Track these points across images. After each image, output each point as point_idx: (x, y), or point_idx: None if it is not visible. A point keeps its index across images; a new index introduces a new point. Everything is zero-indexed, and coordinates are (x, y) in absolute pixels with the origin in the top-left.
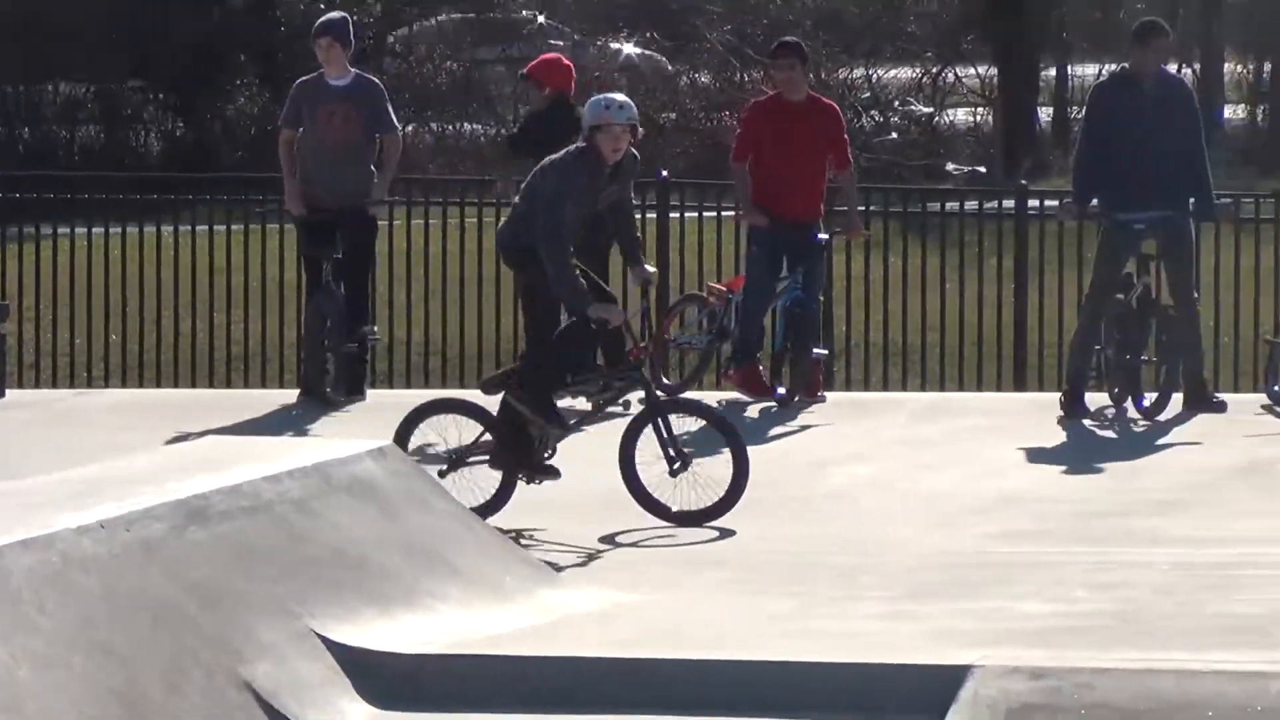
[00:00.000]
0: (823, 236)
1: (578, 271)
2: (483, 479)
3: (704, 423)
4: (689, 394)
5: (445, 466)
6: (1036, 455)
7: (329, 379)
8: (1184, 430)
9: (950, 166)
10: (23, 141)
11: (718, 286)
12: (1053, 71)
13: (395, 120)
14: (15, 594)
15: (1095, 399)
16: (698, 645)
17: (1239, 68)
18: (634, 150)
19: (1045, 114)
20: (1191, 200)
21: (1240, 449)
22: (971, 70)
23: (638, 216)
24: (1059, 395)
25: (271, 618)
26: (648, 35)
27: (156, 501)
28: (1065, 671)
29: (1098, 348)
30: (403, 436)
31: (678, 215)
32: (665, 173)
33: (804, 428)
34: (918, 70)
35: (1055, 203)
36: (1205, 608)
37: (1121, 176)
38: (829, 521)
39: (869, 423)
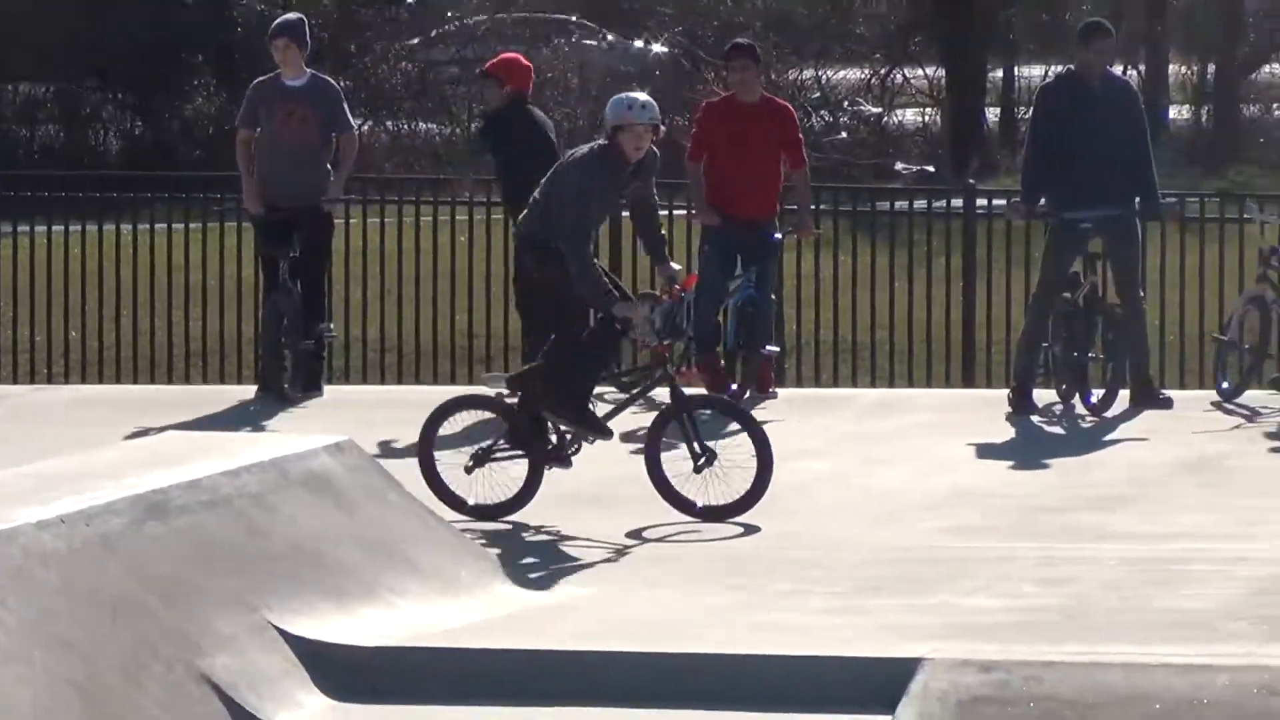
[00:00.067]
0: (777, 236)
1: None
2: (509, 474)
3: (727, 418)
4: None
5: (471, 463)
6: (985, 451)
7: (286, 375)
8: (1131, 426)
9: (899, 166)
10: None
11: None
12: (1000, 72)
13: (351, 120)
14: None
15: (1043, 396)
16: (651, 639)
17: (1184, 69)
18: (654, 148)
19: (993, 114)
20: (1137, 199)
21: (1186, 445)
22: (920, 71)
23: None
24: (1007, 392)
25: (230, 611)
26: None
27: (116, 496)
28: (1014, 665)
29: (1045, 345)
30: (428, 435)
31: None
32: None
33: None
34: (867, 71)
35: (1003, 202)
36: (1152, 602)
37: (1068, 176)
38: (781, 516)
39: (820, 419)
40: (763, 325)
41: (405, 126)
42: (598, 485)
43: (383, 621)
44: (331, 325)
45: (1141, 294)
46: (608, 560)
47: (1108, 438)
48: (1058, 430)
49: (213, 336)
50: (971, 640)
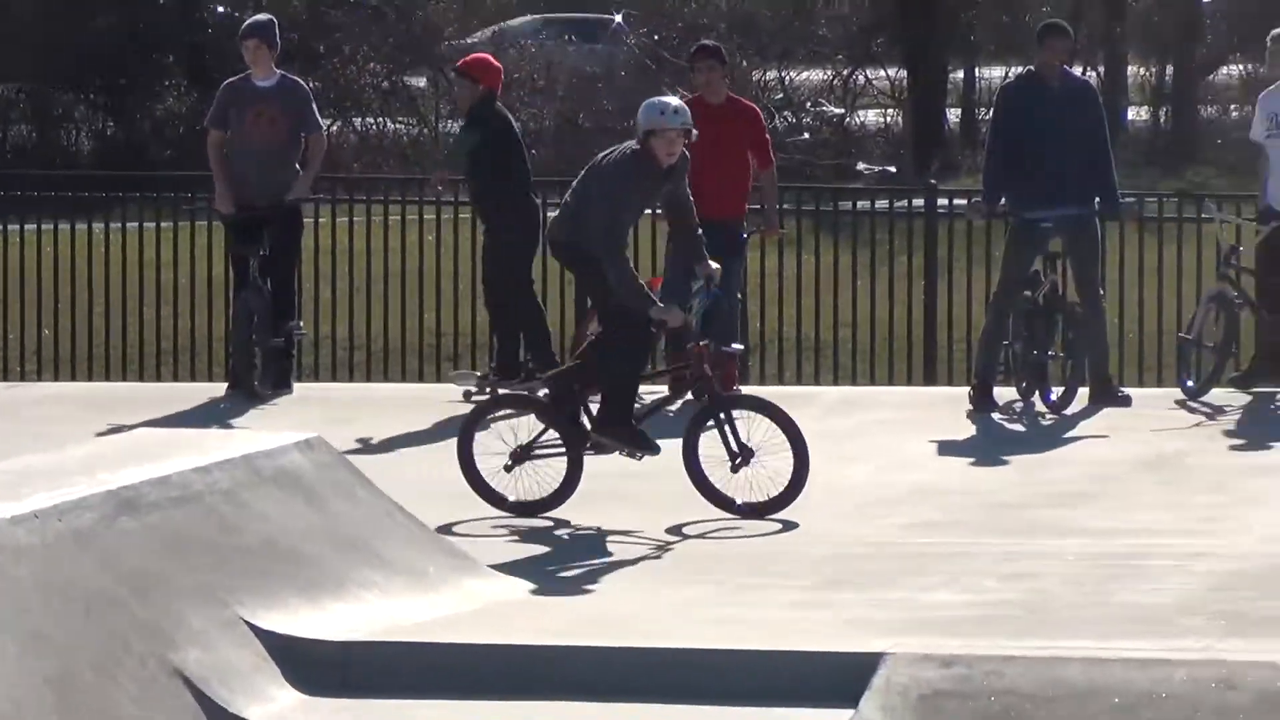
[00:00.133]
0: (744, 236)
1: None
2: (548, 471)
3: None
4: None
5: (510, 461)
6: (947, 448)
7: (256, 373)
8: (1090, 424)
9: (861, 166)
10: None
11: None
12: (960, 74)
13: (320, 120)
14: None
15: (1003, 393)
16: (617, 633)
17: (1142, 70)
18: (686, 150)
19: (954, 115)
20: (1097, 199)
21: (1146, 442)
22: (882, 72)
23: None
24: (968, 389)
25: (201, 606)
26: (565, 38)
27: (89, 492)
28: (975, 659)
29: (1006, 343)
30: (466, 435)
31: None
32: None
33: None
34: (829, 72)
35: (964, 201)
36: (1111, 597)
37: (1028, 176)
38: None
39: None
40: (728, 324)
41: (374, 126)
42: None
43: (352, 616)
44: (301, 323)
45: (1101, 293)
46: (575, 557)
47: (1068, 435)
48: (1018, 428)
49: (184, 334)
50: (933, 635)
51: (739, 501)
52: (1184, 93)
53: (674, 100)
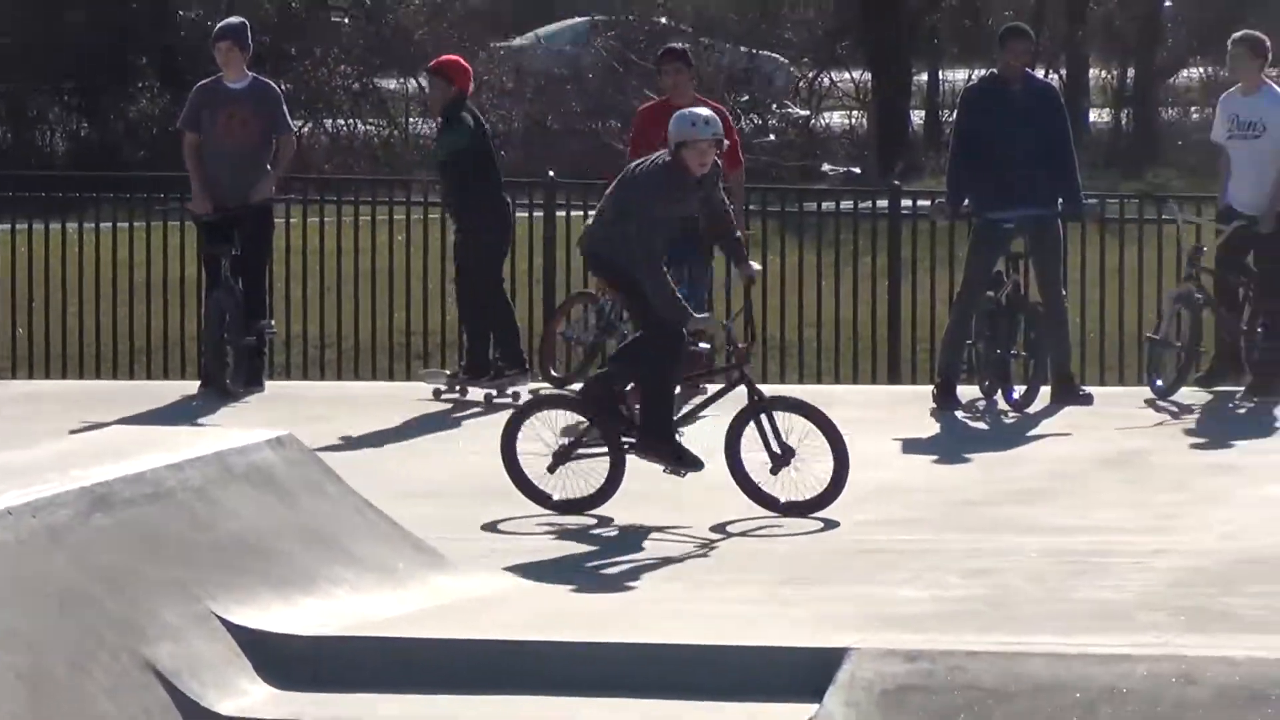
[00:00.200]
0: None
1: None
2: (592, 470)
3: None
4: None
5: (553, 461)
6: (910, 446)
7: (228, 371)
8: (1052, 422)
9: (826, 167)
10: None
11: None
12: (924, 76)
13: (290, 122)
14: None
15: (966, 392)
16: (583, 628)
17: (1104, 73)
18: (717, 159)
19: (917, 117)
20: (1059, 200)
21: (1107, 441)
22: (846, 75)
23: (523, 216)
24: (931, 388)
25: (174, 601)
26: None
27: (62, 489)
28: (939, 654)
29: (969, 342)
30: (509, 435)
31: (564, 214)
32: (552, 173)
33: (685, 418)
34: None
35: (927, 202)
36: (1073, 593)
37: (991, 177)
38: (709, 509)
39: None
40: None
41: (345, 128)
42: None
43: (323, 611)
44: (272, 322)
45: (1063, 293)
46: (541, 553)
47: (1030, 433)
48: (981, 426)
49: (157, 333)
50: (897, 630)
51: (783, 500)
52: (1145, 95)
53: (704, 111)
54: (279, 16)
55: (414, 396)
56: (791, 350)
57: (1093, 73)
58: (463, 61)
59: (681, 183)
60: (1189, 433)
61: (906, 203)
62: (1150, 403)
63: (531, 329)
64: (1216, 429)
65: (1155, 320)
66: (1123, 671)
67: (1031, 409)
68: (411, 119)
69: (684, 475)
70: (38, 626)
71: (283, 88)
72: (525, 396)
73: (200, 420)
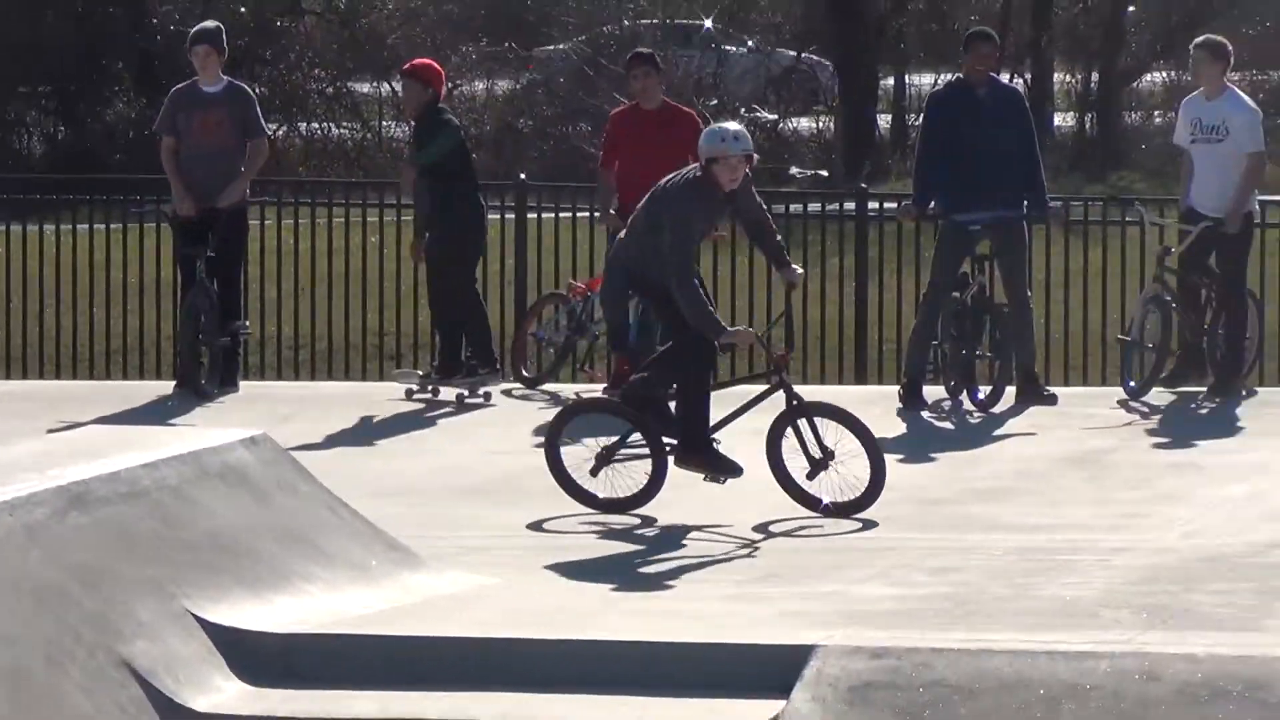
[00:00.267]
0: None
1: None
2: (633, 472)
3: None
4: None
5: (595, 464)
6: None
7: (203, 371)
8: (1017, 422)
9: (794, 170)
10: None
11: (578, 285)
12: (891, 80)
13: (264, 126)
14: None
15: (933, 392)
16: (553, 626)
17: (1068, 77)
18: (748, 171)
19: (884, 121)
20: (1025, 202)
21: (1071, 440)
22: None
23: (495, 218)
24: (898, 388)
25: (149, 599)
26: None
27: (39, 488)
28: (904, 651)
29: (935, 343)
30: (553, 438)
31: (535, 216)
32: (524, 176)
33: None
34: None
35: (894, 204)
36: (1037, 591)
37: (958, 179)
38: (677, 507)
39: (717, 412)
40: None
41: (319, 131)
42: (504, 478)
43: (296, 609)
44: (247, 323)
45: (1029, 294)
46: (513, 551)
47: (995, 433)
48: (947, 425)
49: (132, 333)
50: (864, 627)
51: (825, 501)
52: (1108, 99)
53: (734, 126)
54: (254, 20)
55: (387, 396)
56: (759, 350)
57: (1057, 77)
58: (435, 64)
59: (712, 197)
60: (1152, 432)
61: (873, 205)
62: (1122, 403)
63: (503, 330)
64: (1179, 428)
65: (1119, 321)
66: (1086, 668)
67: (997, 409)
68: (385, 122)
69: (723, 482)
70: (14, 624)
71: (257, 91)
72: (497, 396)
73: (175, 420)
